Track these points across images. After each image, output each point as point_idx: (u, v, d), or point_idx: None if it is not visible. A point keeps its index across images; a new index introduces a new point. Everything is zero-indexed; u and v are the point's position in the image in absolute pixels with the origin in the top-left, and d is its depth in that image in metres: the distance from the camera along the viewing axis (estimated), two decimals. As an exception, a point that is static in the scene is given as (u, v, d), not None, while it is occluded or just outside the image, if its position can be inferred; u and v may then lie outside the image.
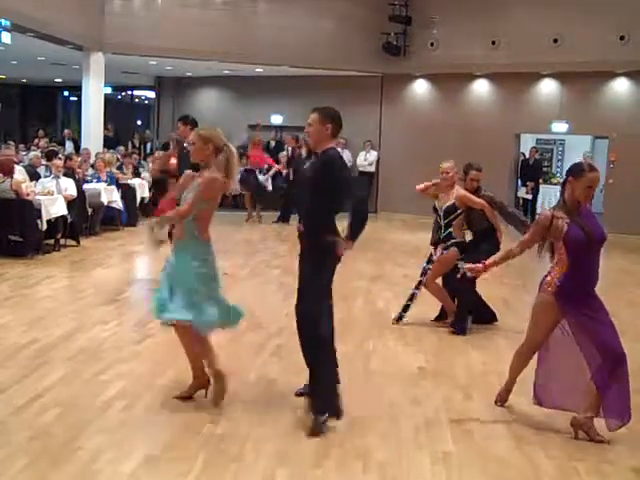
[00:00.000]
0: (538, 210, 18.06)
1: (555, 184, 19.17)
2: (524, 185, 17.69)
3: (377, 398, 5.41)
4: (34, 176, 11.85)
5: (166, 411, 4.96)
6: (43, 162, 13.27)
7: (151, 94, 24.11)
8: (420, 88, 18.58)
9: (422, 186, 7.59)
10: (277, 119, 20.34)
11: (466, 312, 7.37)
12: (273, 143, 19.51)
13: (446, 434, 4.81)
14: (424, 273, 7.43)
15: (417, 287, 7.50)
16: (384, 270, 10.86)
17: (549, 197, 18.16)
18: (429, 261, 7.46)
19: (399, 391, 5.59)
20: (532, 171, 17.68)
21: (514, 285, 10.14)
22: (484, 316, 7.66)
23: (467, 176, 7.53)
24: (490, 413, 5.21)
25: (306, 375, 5.10)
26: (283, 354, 6.34)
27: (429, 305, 7.80)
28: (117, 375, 5.58)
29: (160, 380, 5.53)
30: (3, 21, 12.82)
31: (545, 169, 19.70)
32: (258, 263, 11.14)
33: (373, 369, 6.14)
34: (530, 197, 17.58)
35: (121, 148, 16.63)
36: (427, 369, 6.19)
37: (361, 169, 18.58)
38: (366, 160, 18.53)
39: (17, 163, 11.72)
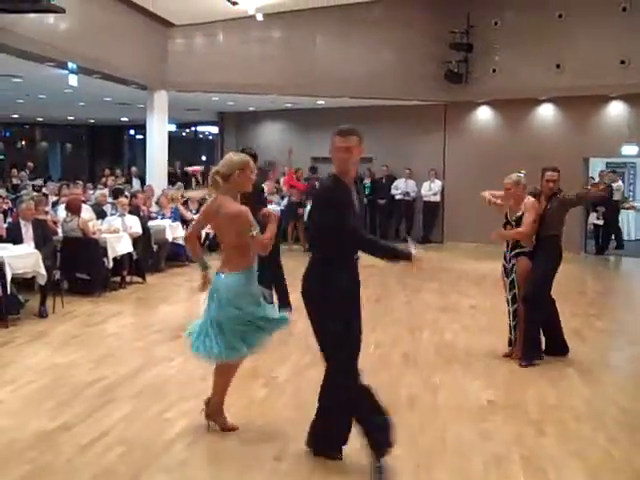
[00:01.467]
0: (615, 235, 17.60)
1: (627, 208, 18.67)
2: (594, 211, 17.23)
3: (444, 433, 5.25)
4: (100, 214, 12.02)
5: (229, 449, 4.88)
6: (109, 200, 13.46)
7: (214, 129, 24.42)
8: (483, 115, 18.35)
9: (487, 195, 7.38)
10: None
11: (530, 342, 7.06)
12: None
13: (517, 471, 4.61)
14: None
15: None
16: (450, 300, 10.63)
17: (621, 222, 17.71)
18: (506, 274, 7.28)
19: (467, 425, 5.41)
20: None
21: (587, 315, 9.80)
22: (555, 348, 7.36)
23: (542, 179, 7.32)
24: (564, 449, 4.98)
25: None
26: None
27: (497, 336, 7.57)
28: (181, 413, 5.53)
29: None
30: (70, 64, 13.11)
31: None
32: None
33: (440, 403, 5.95)
34: (601, 223, 17.10)
35: (180, 184, 16.77)
36: (497, 403, 5.97)
37: (426, 199, 18.41)
38: (431, 190, 18.33)
39: (84, 202, 11.91)
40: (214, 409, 5.17)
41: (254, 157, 8.56)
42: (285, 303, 8.31)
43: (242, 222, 4.80)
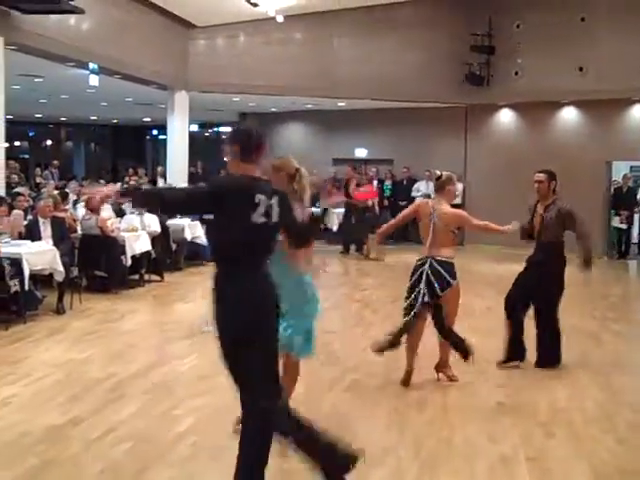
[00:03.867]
0: (634, 240, 17.41)
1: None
2: (618, 214, 17.06)
3: (452, 434, 5.23)
4: (119, 213, 12.10)
5: (234, 446, 4.88)
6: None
7: (237, 130, 24.46)
8: (505, 118, 18.28)
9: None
10: (361, 152, 20.33)
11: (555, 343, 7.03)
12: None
13: (523, 473, 4.59)
14: None
15: None
16: (466, 302, 10.50)
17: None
18: None
19: (475, 427, 5.38)
20: (626, 199, 17.06)
21: (605, 319, 9.72)
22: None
23: None
24: (571, 451, 4.95)
25: (379, 412, 4.94)
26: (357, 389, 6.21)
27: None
28: (190, 410, 5.57)
29: (233, 416, 5.46)
30: (91, 65, 13.23)
31: None
32: (339, 296, 11.07)
33: (450, 404, 5.94)
34: (625, 226, 16.94)
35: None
36: (506, 404, 5.95)
37: (446, 201, 18.34)
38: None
39: (105, 201, 11.97)
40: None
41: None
42: None
43: None
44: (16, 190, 12.27)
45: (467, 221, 6.47)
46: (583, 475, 4.57)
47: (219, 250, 3.90)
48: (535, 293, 6.97)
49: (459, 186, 18.10)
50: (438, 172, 6.52)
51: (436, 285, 6.13)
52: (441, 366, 6.54)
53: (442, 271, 6.14)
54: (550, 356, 7.00)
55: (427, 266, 6.17)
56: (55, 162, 20.99)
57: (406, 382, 6.29)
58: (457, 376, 6.48)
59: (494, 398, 6.09)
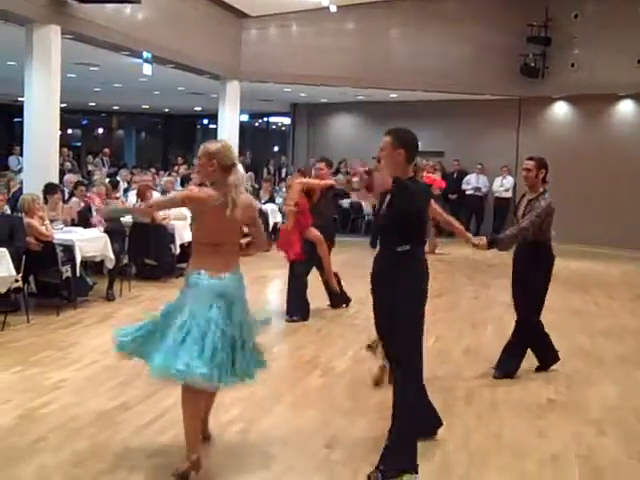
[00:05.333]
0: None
1: None
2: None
3: (501, 429, 5.16)
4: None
5: (281, 436, 4.88)
6: (178, 187, 13.63)
7: (287, 120, 24.52)
8: (560, 110, 17.96)
9: None
10: (412, 144, 20.13)
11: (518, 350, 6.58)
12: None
13: (573, 471, 4.51)
14: None
15: None
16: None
17: None
18: None
19: (525, 423, 5.31)
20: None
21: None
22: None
23: None
24: (623, 450, 4.85)
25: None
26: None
27: (561, 334, 7.40)
28: (237, 398, 5.54)
29: (278, 406, 5.47)
30: (145, 54, 13.32)
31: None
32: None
33: (499, 399, 5.86)
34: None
35: (251, 174, 16.75)
36: (557, 401, 5.85)
37: (497, 195, 18.13)
38: (502, 186, 18.05)
39: (154, 189, 12.08)
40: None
41: (331, 164, 9.02)
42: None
43: None
44: (78, 180, 12.39)
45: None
46: (634, 475, 4.47)
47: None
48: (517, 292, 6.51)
49: (510, 179, 17.89)
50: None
51: None
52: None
53: None
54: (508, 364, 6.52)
55: None
56: (106, 150, 21.27)
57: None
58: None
59: (544, 394, 6.00)
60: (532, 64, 16.95)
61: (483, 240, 5.89)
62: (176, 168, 18.92)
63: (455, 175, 18.77)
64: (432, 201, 5.08)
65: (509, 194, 18.02)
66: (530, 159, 6.44)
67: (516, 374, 6.41)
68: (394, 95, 18.52)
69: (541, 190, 6.36)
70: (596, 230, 16.12)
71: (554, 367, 6.67)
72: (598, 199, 16.49)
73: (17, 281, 7.53)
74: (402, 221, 4.25)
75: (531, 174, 6.35)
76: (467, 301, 10.15)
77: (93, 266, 9.43)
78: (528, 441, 4.95)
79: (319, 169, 8.87)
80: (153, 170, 17.51)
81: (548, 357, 6.65)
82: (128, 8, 12.13)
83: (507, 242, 6.17)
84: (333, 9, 14.85)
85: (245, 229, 4.48)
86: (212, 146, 4.38)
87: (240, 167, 4.42)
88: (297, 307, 8.37)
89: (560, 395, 6.00)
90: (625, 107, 17.03)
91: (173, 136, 29.58)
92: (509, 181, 17.99)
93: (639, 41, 15.78)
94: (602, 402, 5.87)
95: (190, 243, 10.79)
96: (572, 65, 16.86)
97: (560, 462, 4.61)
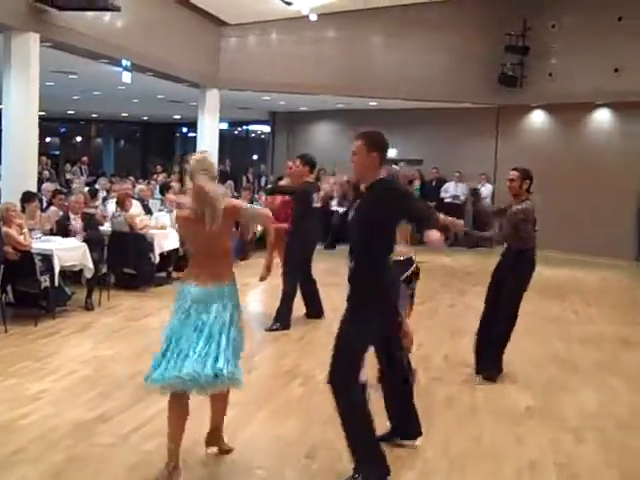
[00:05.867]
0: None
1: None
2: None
3: (480, 436, 5.19)
4: (148, 210, 12.14)
5: (263, 444, 4.88)
6: (157, 196, 13.59)
7: (266, 128, 24.56)
8: (538, 119, 18.11)
9: None
10: (391, 152, 20.11)
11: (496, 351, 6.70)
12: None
13: (551, 478, 4.55)
14: None
15: None
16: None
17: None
18: None
19: (504, 429, 5.34)
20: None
21: (636, 324, 9.60)
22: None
23: None
24: (602, 458, 4.89)
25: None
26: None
27: (538, 341, 7.47)
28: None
29: (259, 416, 5.47)
30: (124, 61, 13.30)
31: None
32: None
33: (478, 406, 5.89)
34: (657, 230, 16.71)
35: (230, 183, 16.73)
36: (535, 408, 5.89)
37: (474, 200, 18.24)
38: (481, 193, 18.12)
39: (134, 197, 12.03)
40: (218, 435, 4.79)
41: (314, 165, 8.60)
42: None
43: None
44: (57, 188, 12.32)
45: None
46: (612, 480, 4.51)
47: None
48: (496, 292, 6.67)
49: (488, 187, 18.00)
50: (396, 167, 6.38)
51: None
52: None
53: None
54: (490, 364, 6.66)
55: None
56: (85, 158, 21.18)
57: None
58: None
59: (522, 401, 6.05)
60: (510, 73, 17.07)
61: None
62: (155, 176, 18.85)
63: (434, 183, 18.87)
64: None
65: (487, 202, 18.10)
66: (515, 170, 6.61)
67: (498, 375, 6.55)
68: (374, 103, 18.60)
69: (525, 199, 6.54)
70: (573, 238, 16.25)
71: (532, 374, 6.75)
72: (575, 206, 16.61)
73: (-5, 291, 7.47)
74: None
75: (515, 184, 6.53)
76: (445, 309, 10.19)
77: (71, 275, 9.36)
78: (507, 447, 4.99)
79: (288, 167, 8.78)
80: (132, 178, 17.44)
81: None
82: (107, 16, 12.09)
83: (473, 238, 6.33)
84: (313, 18, 14.90)
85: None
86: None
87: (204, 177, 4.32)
88: (280, 315, 8.33)
89: (538, 402, 6.04)
90: (602, 116, 17.19)
91: (152, 144, 29.54)
92: (488, 188, 18.09)
93: (616, 50, 15.94)
94: (580, 409, 5.92)
95: (170, 252, 10.80)
96: (550, 74, 17.00)
97: (538, 469, 4.64)
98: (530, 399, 6.09)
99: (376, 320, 4.29)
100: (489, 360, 6.58)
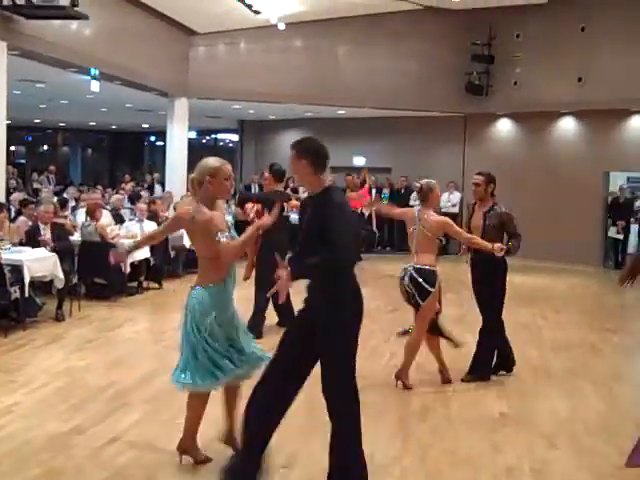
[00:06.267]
0: (630, 250, 17.42)
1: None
2: (614, 225, 17.11)
3: (456, 444, 5.23)
4: (117, 219, 12.08)
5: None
6: (127, 205, 13.52)
7: (234, 137, 24.54)
8: (504, 127, 18.32)
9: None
10: (359, 161, 20.33)
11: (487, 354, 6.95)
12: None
13: (528, 483, 4.59)
14: None
15: None
16: (465, 312, 10.57)
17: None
18: None
19: (479, 437, 5.39)
20: (623, 210, 17.11)
21: (604, 330, 9.74)
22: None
23: None
24: (575, 463, 4.97)
25: (383, 421, 4.90)
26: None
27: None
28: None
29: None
30: (93, 70, 13.22)
31: (637, 208, 18.97)
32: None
33: (453, 414, 5.94)
34: (621, 237, 16.98)
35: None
36: (509, 415, 5.96)
37: (444, 210, 18.35)
38: (449, 201, 18.30)
39: (104, 207, 11.97)
40: (187, 443, 4.77)
41: (282, 175, 8.59)
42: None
43: (210, 229, 4.45)
44: (25, 198, 12.21)
45: (450, 228, 6.48)
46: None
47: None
48: (478, 301, 6.93)
49: (456, 195, 18.17)
50: (418, 184, 6.59)
51: (416, 295, 6.31)
52: (401, 373, 6.56)
53: (420, 280, 6.28)
54: (481, 367, 6.88)
55: (407, 278, 6.37)
56: (52, 167, 20.96)
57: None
58: (412, 385, 6.54)
59: (496, 408, 6.11)
60: (477, 82, 17.27)
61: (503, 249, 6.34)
62: (123, 185, 18.73)
63: (403, 191, 18.98)
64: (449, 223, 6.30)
65: (456, 209, 18.27)
66: (479, 174, 6.76)
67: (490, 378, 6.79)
68: (342, 112, 18.69)
69: (492, 203, 6.73)
70: (540, 245, 16.39)
71: (505, 380, 6.85)
72: (541, 213, 16.78)
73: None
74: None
75: (480, 189, 6.70)
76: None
77: (42, 286, 9.27)
78: (483, 455, 5.04)
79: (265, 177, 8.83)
80: (100, 188, 17.33)
81: (506, 362, 7.02)
82: (75, 24, 12.03)
83: (515, 249, 6.58)
84: (281, 27, 14.96)
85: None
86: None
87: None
88: (252, 326, 8.29)
89: (512, 409, 6.10)
90: (567, 124, 17.44)
91: (120, 153, 29.37)
92: (456, 196, 18.26)
93: (580, 60, 16.21)
94: (553, 415, 6.00)
95: (141, 261, 10.75)
96: (515, 83, 17.25)
97: (514, 476, 4.70)
98: (504, 406, 6.16)
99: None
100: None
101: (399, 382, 6.53)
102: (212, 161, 4.63)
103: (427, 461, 4.86)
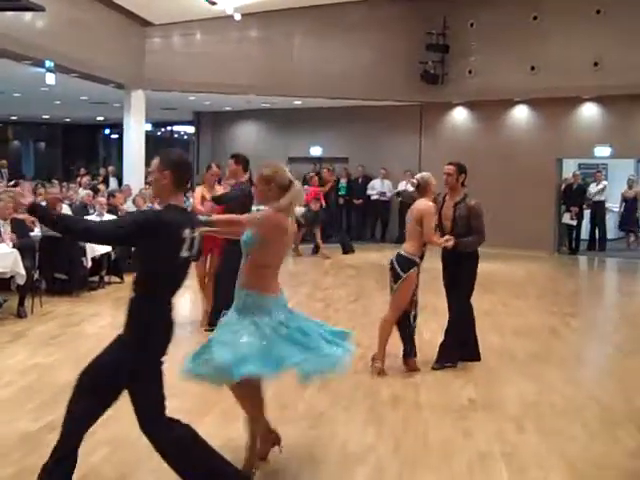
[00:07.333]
0: (583, 236, 17.76)
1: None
2: (568, 211, 17.42)
3: (427, 431, 5.31)
4: (83, 213, 11.94)
5: (214, 445, 4.88)
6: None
7: (190, 129, 24.37)
8: (459, 115, 18.50)
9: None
10: (316, 151, 20.39)
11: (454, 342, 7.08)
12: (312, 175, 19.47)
13: (501, 468, 4.69)
14: None
15: None
16: (427, 300, 10.66)
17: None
18: None
19: (450, 424, 5.48)
20: (576, 196, 17.42)
21: (563, 314, 9.94)
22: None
23: None
24: (545, 445, 5.08)
25: (355, 411, 4.94)
26: (330, 388, 6.24)
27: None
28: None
29: (208, 417, 5.48)
30: (48, 62, 13.03)
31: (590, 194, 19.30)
32: (301, 296, 11.07)
33: (422, 402, 6.02)
34: (574, 223, 17.31)
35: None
36: (477, 401, 6.06)
37: (402, 199, 18.51)
38: (406, 190, 18.42)
39: (63, 201, 11.82)
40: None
41: (248, 164, 8.48)
42: None
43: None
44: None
45: (424, 218, 6.50)
46: (558, 469, 4.69)
47: (146, 280, 3.98)
48: (449, 289, 7.15)
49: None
50: (414, 180, 6.74)
51: (392, 279, 6.61)
52: (376, 356, 6.78)
53: (395, 264, 6.54)
54: (448, 354, 7.01)
55: (389, 263, 6.68)
56: (4, 161, 20.57)
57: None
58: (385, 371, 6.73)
59: (464, 394, 6.21)
60: (432, 71, 17.39)
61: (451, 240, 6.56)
62: (78, 179, 18.47)
63: (360, 180, 19.08)
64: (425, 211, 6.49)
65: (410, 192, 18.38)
66: (450, 164, 6.93)
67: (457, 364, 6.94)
68: (298, 102, 18.69)
69: (463, 194, 6.91)
70: (496, 232, 16.45)
71: (472, 366, 7.00)
72: (496, 201, 16.88)
73: None
74: None
75: (451, 178, 6.84)
76: (379, 306, 10.29)
77: (1, 283, 9.15)
78: (455, 441, 5.12)
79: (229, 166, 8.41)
80: (56, 182, 17.07)
81: (472, 351, 7.16)
82: (29, 16, 11.84)
83: (468, 244, 6.74)
84: (237, 17, 14.89)
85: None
86: (267, 170, 4.52)
87: None
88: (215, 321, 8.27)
89: (480, 394, 6.21)
90: (520, 112, 17.69)
91: (74, 146, 28.90)
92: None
93: (533, 49, 16.46)
94: (520, 399, 6.12)
95: (102, 255, 10.63)
96: (469, 72, 17.42)
97: (487, 460, 4.78)
98: (472, 392, 6.27)
99: None
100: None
101: (374, 365, 6.68)
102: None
103: (401, 449, 4.93)
